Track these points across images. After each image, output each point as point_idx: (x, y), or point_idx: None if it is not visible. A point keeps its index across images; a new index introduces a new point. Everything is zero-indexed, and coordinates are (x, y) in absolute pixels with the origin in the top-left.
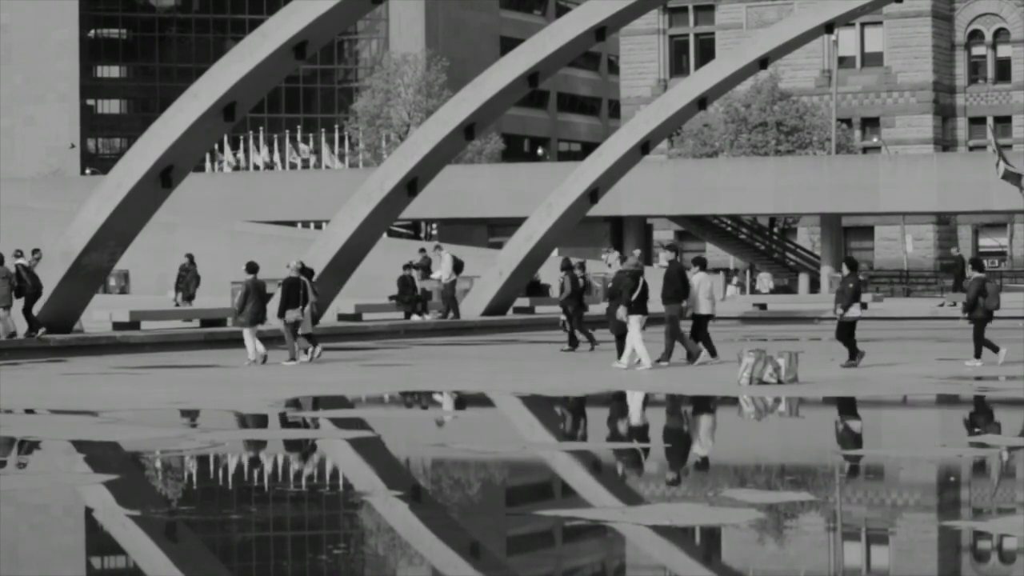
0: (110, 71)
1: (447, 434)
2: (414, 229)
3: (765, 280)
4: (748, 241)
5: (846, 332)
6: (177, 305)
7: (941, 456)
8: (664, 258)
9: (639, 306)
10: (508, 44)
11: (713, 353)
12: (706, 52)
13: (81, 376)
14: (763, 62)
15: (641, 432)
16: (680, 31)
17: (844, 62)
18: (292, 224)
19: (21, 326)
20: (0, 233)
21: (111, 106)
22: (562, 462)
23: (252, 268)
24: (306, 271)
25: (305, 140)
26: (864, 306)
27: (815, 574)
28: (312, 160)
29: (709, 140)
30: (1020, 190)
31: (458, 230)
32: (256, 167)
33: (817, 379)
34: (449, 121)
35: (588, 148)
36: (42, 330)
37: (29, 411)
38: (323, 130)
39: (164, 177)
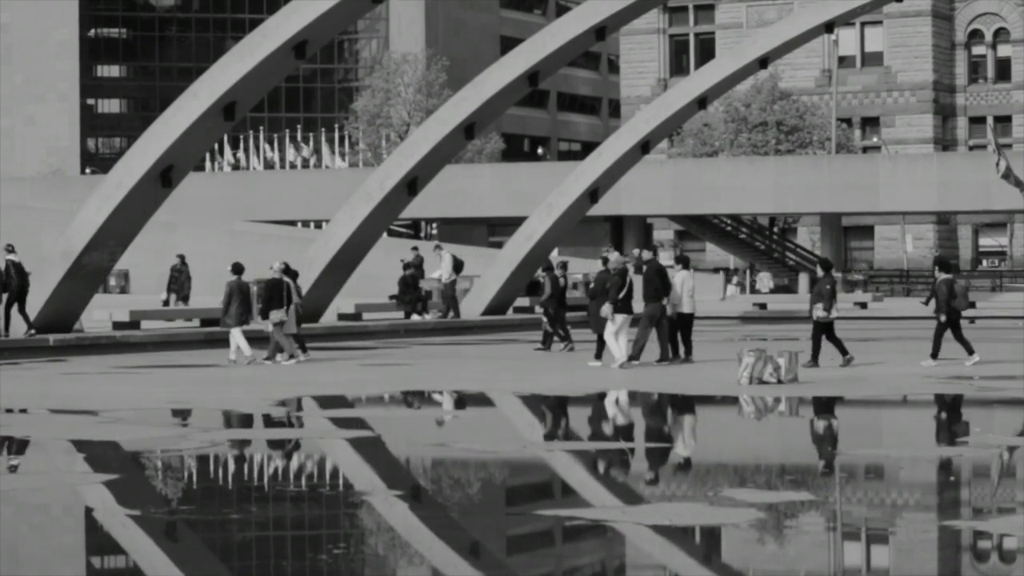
0: (110, 71)
1: (447, 434)
2: (414, 229)
3: (765, 280)
4: (748, 241)
5: (824, 332)
6: (166, 306)
7: (941, 456)
8: (644, 257)
9: (624, 305)
10: (508, 44)
11: (688, 354)
12: (706, 52)
13: (81, 376)
14: (763, 62)
15: (638, 432)
16: (680, 31)
17: (844, 62)
18: (292, 224)
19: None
20: (0, 233)
21: (111, 106)
22: (562, 462)
23: (237, 269)
24: (290, 272)
25: (305, 140)
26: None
27: (815, 574)
28: (312, 160)
29: (709, 140)
30: (1020, 190)
31: (458, 230)
32: (260, 163)
33: (817, 379)
34: (449, 121)
35: (588, 148)
36: (31, 331)
37: (22, 411)
38: (323, 130)
39: (164, 177)
